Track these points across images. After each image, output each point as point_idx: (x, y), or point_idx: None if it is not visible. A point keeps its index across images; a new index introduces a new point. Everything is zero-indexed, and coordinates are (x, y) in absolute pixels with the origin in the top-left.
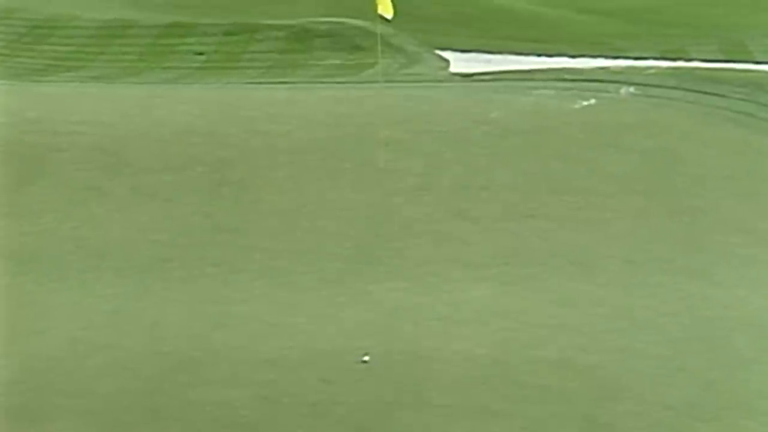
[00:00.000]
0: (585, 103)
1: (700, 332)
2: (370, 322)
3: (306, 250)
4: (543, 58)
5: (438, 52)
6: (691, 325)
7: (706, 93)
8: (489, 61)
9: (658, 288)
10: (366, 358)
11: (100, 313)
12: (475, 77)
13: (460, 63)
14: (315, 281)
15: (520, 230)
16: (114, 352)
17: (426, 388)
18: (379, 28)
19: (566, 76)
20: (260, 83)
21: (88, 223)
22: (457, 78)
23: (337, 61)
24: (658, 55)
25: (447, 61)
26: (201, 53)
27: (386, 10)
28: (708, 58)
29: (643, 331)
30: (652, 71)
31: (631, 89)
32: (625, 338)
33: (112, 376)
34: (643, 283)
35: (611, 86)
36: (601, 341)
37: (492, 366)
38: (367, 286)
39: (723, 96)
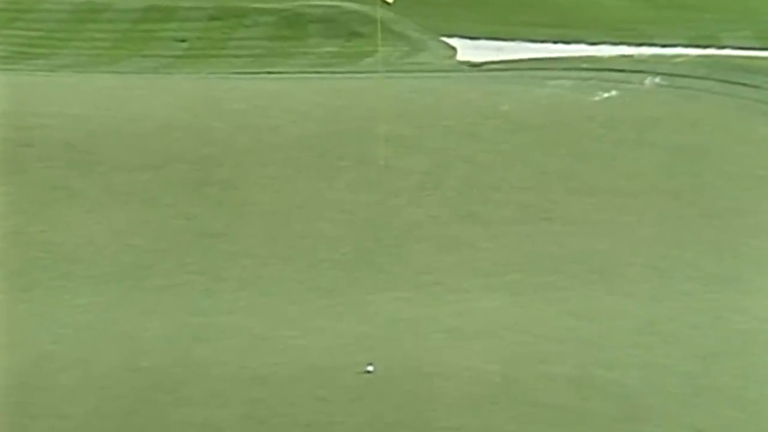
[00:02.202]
0: (606, 95)
1: (733, 346)
2: (368, 335)
3: (298, 256)
4: (560, 46)
5: (444, 39)
6: (722, 339)
7: (739, 83)
8: (500, 49)
9: (686, 298)
10: (370, 368)
11: (71, 326)
12: (485, 67)
13: (468, 51)
14: (308, 290)
15: (534, 234)
16: (87, 368)
17: (430, 408)
18: (380, 13)
19: (585, 66)
20: (248, 73)
21: (57, 227)
22: (465, 67)
23: (333, 49)
24: (686, 42)
25: (454, 49)
26: (183, 40)
27: None
28: (742, 45)
29: (669, 345)
30: (681, 60)
31: (657, 80)
32: (650, 353)
33: (85, 395)
34: (669, 292)
35: (635, 76)
36: (623, 356)
37: (503, 383)
38: (366, 296)
39: (758, 87)
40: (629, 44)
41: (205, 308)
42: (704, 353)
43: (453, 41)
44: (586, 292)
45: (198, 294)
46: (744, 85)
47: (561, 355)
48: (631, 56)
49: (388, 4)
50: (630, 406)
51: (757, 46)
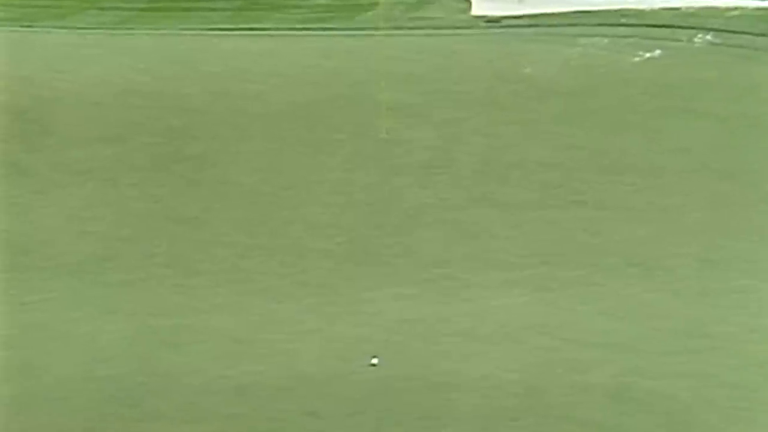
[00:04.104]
0: (648, 55)
1: None
2: (368, 339)
3: (285, 245)
4: None
5: None
6: None
7: None
8: (522, 2)
9: (740, 295)
10: (375, 360)
11: (20, 327)
12: (504, 22)
13: (484, 4)
14: (296, 286)
15: (563, 221)
16: (39, 376)
17: (440, 424)
18: None
19: (623, 21)
20: (226, 30)
21: (4, 210)
22: (481, 23)
23: (327, 2)
24: None
25: (468, 1)
26: None
27: None
28: None
29: (720, 351)
30: (736, 13)
31: (708, 37)
32: (698, 360)
33: (36, 408)
34: (721, 289)
35: (682, 33)
36: (667, 364)
37: (525, 395)
38: (365, 293)
39: None
40: None
41: (175, 307)
42: (761, 361)
43: None
44: (623, 288)
45: (167, 290)
46: None
47: (594, 362)
48: (677, 9)
49: None
50: (675, 422)
51: None
